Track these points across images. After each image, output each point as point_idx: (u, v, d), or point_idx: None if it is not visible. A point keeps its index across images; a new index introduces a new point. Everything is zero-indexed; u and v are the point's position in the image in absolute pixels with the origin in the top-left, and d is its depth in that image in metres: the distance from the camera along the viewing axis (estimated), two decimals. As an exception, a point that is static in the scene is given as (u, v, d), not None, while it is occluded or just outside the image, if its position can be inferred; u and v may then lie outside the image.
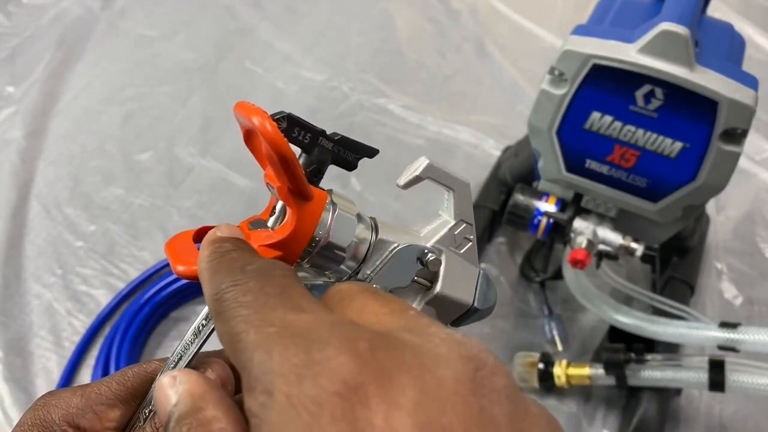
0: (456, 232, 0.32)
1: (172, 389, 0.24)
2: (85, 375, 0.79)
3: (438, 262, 0.31)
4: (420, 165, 0.31)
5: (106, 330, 0.82)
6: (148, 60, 1.16)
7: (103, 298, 0.85)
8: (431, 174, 0.31)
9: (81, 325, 0.83)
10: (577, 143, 0.66)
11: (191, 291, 0.84)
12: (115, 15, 1.23)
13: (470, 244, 0.33)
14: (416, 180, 0.31)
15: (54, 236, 0.91)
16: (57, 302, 0.85)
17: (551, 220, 0.72)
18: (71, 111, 1.08)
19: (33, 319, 0.83)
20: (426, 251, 0.31)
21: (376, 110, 1.10)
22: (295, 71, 1.15)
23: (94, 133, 1.05)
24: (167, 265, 0.86)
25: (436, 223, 0.33)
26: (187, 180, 0.99)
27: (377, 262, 0.30)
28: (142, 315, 0.81)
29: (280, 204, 0.30)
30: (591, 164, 0.67)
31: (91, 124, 1.06)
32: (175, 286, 0.83)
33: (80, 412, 0.31)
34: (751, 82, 0.59)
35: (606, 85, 0.62)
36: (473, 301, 0.32)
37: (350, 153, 0.31)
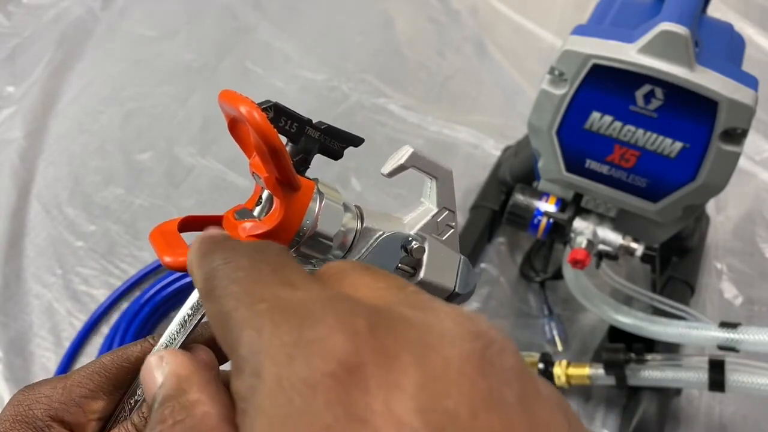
0: (439, 220, 0.32)
1: (159, 370, 0.24)
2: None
3: (422, 249, 0.31)
4: (404, 154, 0.31)
5: (103, 329, 0.82)
6: (148, 60, 1.16)
7: (104, 298, 0.85)
8: (415, 162, 0.31)
9: (81, 325, 0.83)
10: (577, 143, 0.66)
11: (192, 291, 0.84)
12: (115, 15, 1.23)
13: (452, 230, 0.33)
14: (400, 168, 0.31)
15: (54, 236, 0.91)
16: (57, 302, 0.85)
17: (551, 220, 0.72)
18: (71, 111, 1.08)
19: (33, 319, 0.83)
20: (410, 239, 0.31)
21: (376, 110, 1.10)
22: (295, 71, 1.15)
23: (94, 133, 1.05)
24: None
25: (419, 210, 0.33)
26: (187, 180, 0.99)
27: (362, 250, 0.31)
28: (142, 315, 0.81)
29: (266, 193, 0.30)
30: (591, 164, 0.67)
31: (91, 124, 1.06)
32: (175, 285, 0.83)
33: (64, 406, 0.30)
34: (751, 82, 0.59)
35: (606, 85, 0.61)
36: (455, 286, 0.33)
37: (336, 142, 0.31)
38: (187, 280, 0.83)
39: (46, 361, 0.80)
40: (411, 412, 0.17)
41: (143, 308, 0.81)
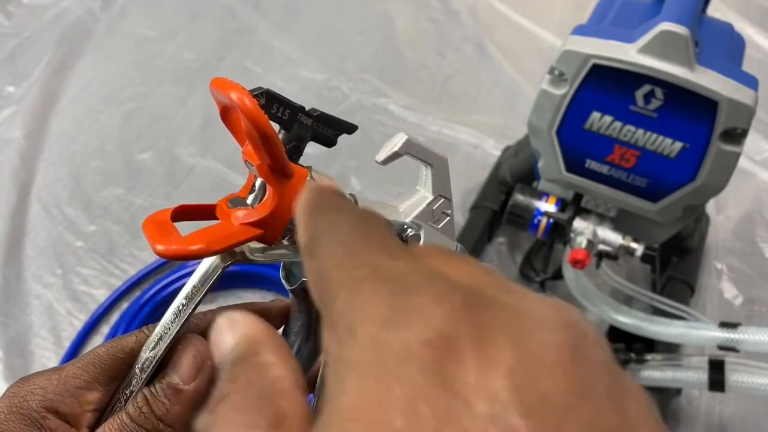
0: (434, 207, 0.32)
1: (230, 332, 0.24)
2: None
3: (417, 237, 0.31)
4: (398, 141, 0.31)
5: (103, 328, 0.82)
6: (148, 60, 1.16)
7: (104, 298, 0.85)
8: (410, 150, 0.31)
9: (81, 325, 0.83)
10: (577, 143, 0.66)
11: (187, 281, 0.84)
12: (115, 15, 1.23)
13: (448, 218, 0.33)
14: (395, 156, 0.31)
15: (54, 236, 0.91)
16: (57, 302, 0.85)
17: (551, 220, 0.72)
18: (71, 111, 1.08)
19: (33, 319, 0.83)
20: (405, 227, 0.31)
21: (376, 110, 1.09)
22: (295, 71, 1.15)
23: (94, 133, 1.05)
24: (164, 263, 0.86)
25: (414, 198, 0.33)
26: (187, 180, 0.99)
27: None
28: (142, 315, 0.81)
29: (259, 181, 0.30)
30: (591, 164, 0.67)
31: (91, 124, 1.06)
32: (175, 286, 0.83)
33: (59, 397, 0.30)
34: (751, 82, 0.59)
35: (606, 85, 0.61)
36: None
37: (329, 129, 0.31)
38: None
39: (46, 361, 0.80)
40: (505, 389, 0.17)
41: (143, 308, 0.81)
